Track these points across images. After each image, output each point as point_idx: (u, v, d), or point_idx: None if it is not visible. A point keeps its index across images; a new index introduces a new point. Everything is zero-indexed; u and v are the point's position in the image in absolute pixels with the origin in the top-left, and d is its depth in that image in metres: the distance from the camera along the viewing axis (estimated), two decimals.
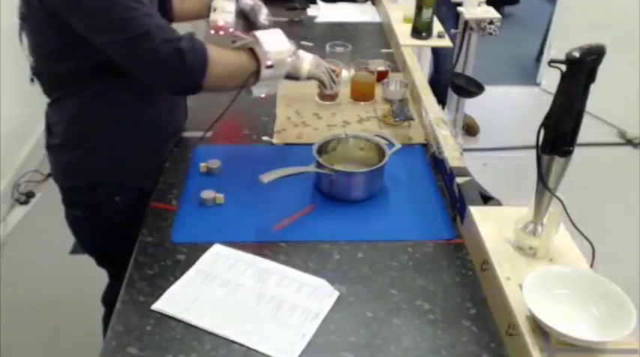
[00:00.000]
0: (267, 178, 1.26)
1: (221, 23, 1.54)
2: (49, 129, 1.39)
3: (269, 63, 1.33)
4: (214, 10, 1.55)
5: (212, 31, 1.57)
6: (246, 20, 1.87)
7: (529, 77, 4.42)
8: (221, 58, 1.27)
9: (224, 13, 1.70)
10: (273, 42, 1.34)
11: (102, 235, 1.46)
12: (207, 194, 1.32)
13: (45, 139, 1.43)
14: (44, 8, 1.19)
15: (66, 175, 1.41)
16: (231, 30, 1.77)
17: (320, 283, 1.11)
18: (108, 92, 1.31)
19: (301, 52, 1.45)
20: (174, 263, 1.16)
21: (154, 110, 1.39)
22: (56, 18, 1.19)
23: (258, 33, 1.35)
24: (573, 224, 1.08)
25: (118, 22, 1.16)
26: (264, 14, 1.71)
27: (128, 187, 1.40)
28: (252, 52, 1.34)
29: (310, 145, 1.39)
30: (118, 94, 1.31)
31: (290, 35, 1.42)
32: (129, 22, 1.16)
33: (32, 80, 1.33)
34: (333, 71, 1.57)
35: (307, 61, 1.46)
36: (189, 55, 1.19)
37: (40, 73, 1.32)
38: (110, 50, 1.20)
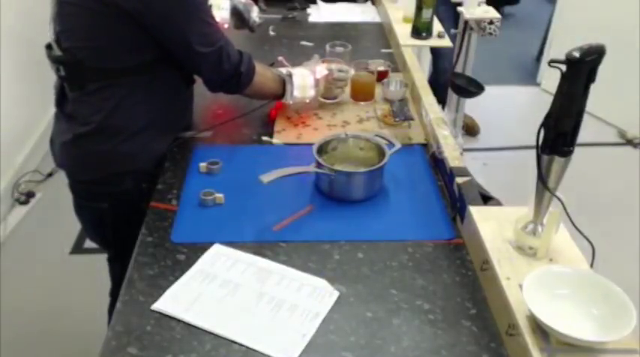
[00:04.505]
0: (267, 178, 1.26)
1: (217, 19, 1.56)
2: (75, 119, 1.38)
3: (290, 102, 1.61)
4: (210, 6, 1.58)
5: None
6: (239, 17, 1.91)
7: (529, 77, 4.43)
8: (260, 82, 1.51)
9: (220, 10, 1.77)
10: (301, 87, 1.60)
11: (127, 223, 1.46)
12: (207, 194, 1.32)
13: (61, 133, 1.41)
14: (117, 7, 1.24)
15: (93, 166, 1.42)
16: (225, 26, 1.82)
17: (320, 283, 1.11)
18: (154, 81, 1.38)
19: (315, 91, 1.65)
20: (174, 263, 1.16)
21: (182, 101, 1.53)
22: (128, 17, 1.25)
23: (296, 74, 1.59)
24: (573, 224, 1.08)
25: (202, 37, 1.33)
26: (255, 12, 1.91)
27: (152, 174, 1.43)
28: (283, 83, 1.59)
29: (310, 145, 1.39)
30: (162, 82, 1.41)
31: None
32: (209, 37, 1.35)
33: (58, 70, 1.35)
34: (341, 70, 1.73)
35: (319, 90, 1.69)
36: (244, 78, 1.45)
37: (77, 64, 1.32)
38: (180, 55, 1.36)
